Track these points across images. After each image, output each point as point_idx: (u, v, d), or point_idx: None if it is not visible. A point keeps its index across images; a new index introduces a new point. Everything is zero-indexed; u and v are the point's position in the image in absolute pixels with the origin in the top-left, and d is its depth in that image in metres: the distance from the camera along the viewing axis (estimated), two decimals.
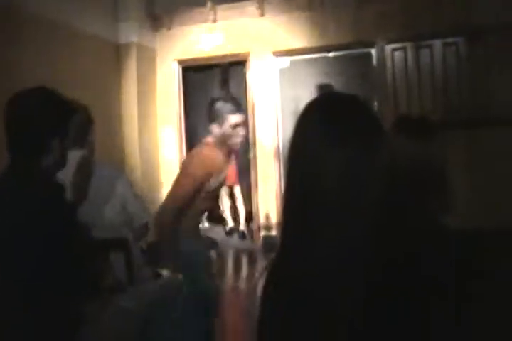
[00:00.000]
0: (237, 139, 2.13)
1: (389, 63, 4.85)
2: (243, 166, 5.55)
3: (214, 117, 2.13)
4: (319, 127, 0.82)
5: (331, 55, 5.05)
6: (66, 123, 1.44)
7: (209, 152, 2.12)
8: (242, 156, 5.77)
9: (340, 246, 0.75)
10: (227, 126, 2.10)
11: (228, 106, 2.12)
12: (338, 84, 4.88)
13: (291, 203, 0.84)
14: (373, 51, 4.90)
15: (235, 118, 2.11)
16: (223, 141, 2.13)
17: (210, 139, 2.16)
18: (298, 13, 5.08)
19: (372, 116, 0.84)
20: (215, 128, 2.13)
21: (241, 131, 2.13)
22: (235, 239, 5.59)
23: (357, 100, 0.87)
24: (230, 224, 5.67)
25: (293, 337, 0.77)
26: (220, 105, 2.13)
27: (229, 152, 2.20)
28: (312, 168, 0.80)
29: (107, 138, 4.60)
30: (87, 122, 2.02)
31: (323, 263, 0.76)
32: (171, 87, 5.59)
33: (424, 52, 4.75)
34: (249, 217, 5.69)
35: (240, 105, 2.21)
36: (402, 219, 0.79)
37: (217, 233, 5.66)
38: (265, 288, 0.86)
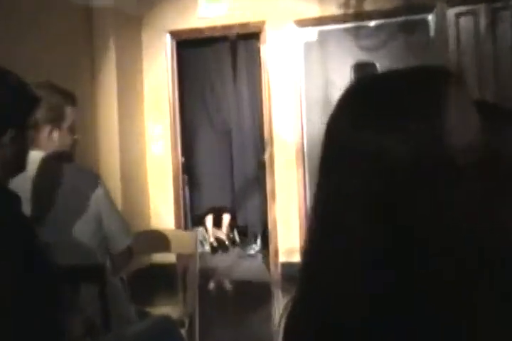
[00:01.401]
0: None
1: (452, 33, 4.82)
2: (254, 171, 5.56)
3: None
4: (360, 123, 0.82)
5: (372, 23, 5.02)
6: (25, 113, 1.43)
7: None
8: (253, 157, 5.78)
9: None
10: None
11: None
12: (381, 62, 4.86)
13: (323, 220, 0.85)
14: (430, 17, 4.88)
15: None
16: None
17: None
18: None
19: (437, 102, 0.82)
20: None
21: None
22: (244, 263, 5.59)
23: (415, 81, 0.85)
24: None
25: None
26: None
27: None
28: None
29: (81, 133, 4.57)
30: (60, 108, 2.05)
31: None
32: (161, 66, 5.60)
33: (504, 16, 4.69)
34: (264, 237, 5.69)
35: None
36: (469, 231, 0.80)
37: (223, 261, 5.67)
38: (287, 335, 0.86)
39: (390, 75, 0.90)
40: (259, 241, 6.21)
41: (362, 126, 0.81)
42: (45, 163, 1.98)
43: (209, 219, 6.22)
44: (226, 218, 6.27)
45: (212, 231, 6.31)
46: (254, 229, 6.14)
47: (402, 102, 0.81)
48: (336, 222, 0.82)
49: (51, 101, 2.03)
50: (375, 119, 0.81)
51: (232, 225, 6.36)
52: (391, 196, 0.78)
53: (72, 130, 2.18)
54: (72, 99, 2.18)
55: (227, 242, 6.26)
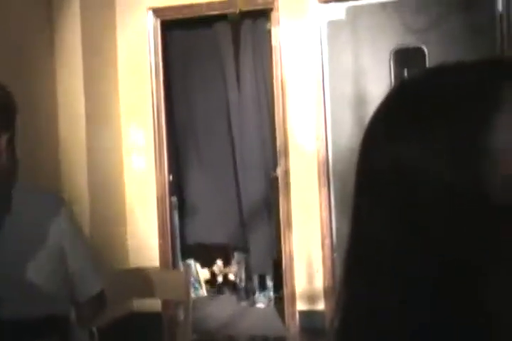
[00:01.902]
0: None
1: None
2: (263, 190, 5.52)
3: None
4: (409, 135, 0.87)
5: None
6: None
7: None
8: (261, 172, 5.74)
9: None
10: None
11: None
12: (431, 47, 4.86)
13: (363, 253, 0.90)
14: None
15: None
16: None
17: None
18: None
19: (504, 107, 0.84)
20: None
21: None
22: (252, 312, 5.56)
23: (476, 79, 0.87)
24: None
25: None
26: None
27: None
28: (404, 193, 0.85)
29: (34, 142, 4.60)
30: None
31: None
32: (141, 54, 5.60)
33: None
34: (277, 278, 5.64)
35: None
36: None
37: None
38: None
39: (450, 73, 0.91)
40: (270, 283, 6.16)
41: (412, 141, 0.85)
42: None
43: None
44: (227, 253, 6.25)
45: (219, 269, 6.29)
46: (263, 266, 6.08)
47: (467, 113, 0.84)
48: (379, 261, 0.88)
49: None
50: (428, 135, 0.84)
51: (235, 262, 6.33)
52: (441, 227, 0.83)
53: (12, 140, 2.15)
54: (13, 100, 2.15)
55: (236, 282, 6.26)
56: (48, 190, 2.42)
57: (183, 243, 6.21)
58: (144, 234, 5.56)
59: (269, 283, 6.18)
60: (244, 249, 6.17)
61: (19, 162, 2.16)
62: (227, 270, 6.44)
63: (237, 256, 6.35)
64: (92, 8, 5.31)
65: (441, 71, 0.92)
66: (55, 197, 2.24)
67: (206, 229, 6.17)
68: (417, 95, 0.89)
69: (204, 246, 6.31)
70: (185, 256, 6.32)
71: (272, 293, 6.17)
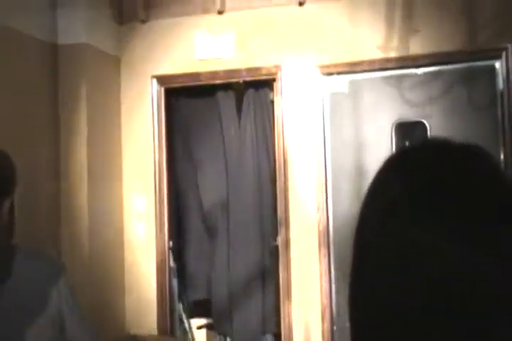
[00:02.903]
0: None
1: None
2: (260, 261, 5.43)
3: None
4: (411, 209, 0.85)
5: (420, 71, 5.04)
6: None
7: None
8: (258, 241, 5.66)
9: None
10: None
11: None
12: (433, 121, 4.87)
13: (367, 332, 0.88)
14: (498, 64, 4.89)
15: None
16: None
17: None
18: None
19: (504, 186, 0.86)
20: None
21: None
22: None
23: (476, 154, 0.89)
24: None
25: None
26: None
27: None
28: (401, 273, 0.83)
29: (33, 203, 4.59)
30: (3, 182, 2.10)
31: None
32: (144, 121, 5.61)
33: None
34: None
35: None
36: None
37: None
38: None
39: (442, 149, 0.90)
40: None
41: (410, 221, 0.83)
42: None
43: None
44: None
45: None
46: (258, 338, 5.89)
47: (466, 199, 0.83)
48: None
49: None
50: (428, 215, 0.82)
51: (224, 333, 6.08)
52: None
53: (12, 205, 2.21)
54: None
55: None
56: (47, 255, 2.39)
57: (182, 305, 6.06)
58: (142, 300, 5.48)
59: None
60: (241, 320, 5.97)
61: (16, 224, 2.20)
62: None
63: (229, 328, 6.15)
64: (96, 79, 5.35)
65: (442, 148, 0.90)
66: (55, 263, 2.23)
67: (203, 293, 6.04)
68: (416, 167, 0.88)
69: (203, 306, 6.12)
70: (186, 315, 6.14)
71: None
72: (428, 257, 0.81)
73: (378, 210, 0.88)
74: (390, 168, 0.91)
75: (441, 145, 0.91)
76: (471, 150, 0.89)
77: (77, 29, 5.21)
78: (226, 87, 5.64)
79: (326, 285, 5.12)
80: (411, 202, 0.84)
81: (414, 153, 0.92)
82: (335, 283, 5.11)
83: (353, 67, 5.14)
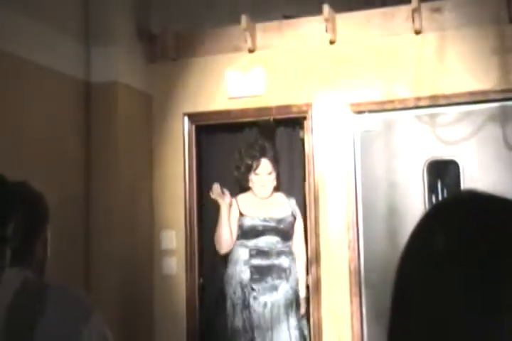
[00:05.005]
0: None
1: None
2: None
3: None
4: (455, 272, 0.87)
5: (452, 109, 4.97)
6: None
7: None
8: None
9: None
10: None
11: None
12: (465, 160, 4.81)
13: None
14: None
15: None
16: None
17: None
18: (403, 34, 5.06)
19: None
20: None
21: None
22: None
23: None
24: None
25: None
26: None
27: None
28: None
29: (63, 239, 4.52)
30: (36, 221, 2.10)
31: None
32: (175, 157, 5.60)
33: None
34: None
35: None
36: None
37: None
38: None
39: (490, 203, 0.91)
40: None
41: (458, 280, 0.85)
42: (25, 286, 1.92)
43: None
44: None
45: None
46: None
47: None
48: None
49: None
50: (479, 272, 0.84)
51: None
52: None
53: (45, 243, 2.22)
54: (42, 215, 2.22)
55: None
56: (78, 295, 2.30)
57: None
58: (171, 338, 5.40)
59: None
60: None
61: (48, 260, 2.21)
62: None
63: None
64: (128, 116, 5.40)
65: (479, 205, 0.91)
66: (85, 304, 2.08)
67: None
68: (452, 227, 0.88)
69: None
70: None
71: None
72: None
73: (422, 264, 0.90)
74: (425, 225, 0.92)
75: (483, 203, 0.91)
76: None
77: (109, 67, 5.28)
78: (257, 124, 5.59)
79: (357, 324, 5.01)
80: (457, 260, 0.85)
81: (457, 208, 0.93)
82: (366, 323, 5.01)
83: (384, 106, 5.11)
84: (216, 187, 5.06)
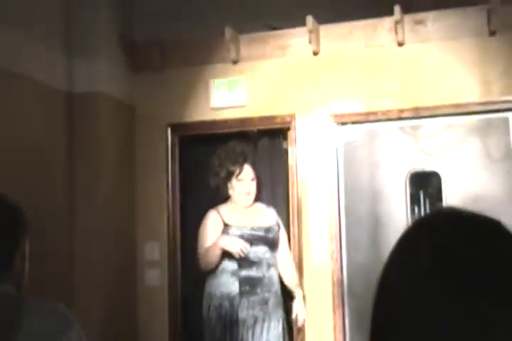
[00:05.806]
0: None
1: None
2: None
3: None
4: (436, 282, 0.87)
5: (434, 121, 4.98)
6: None
7: None
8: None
9: None
10: None
11: None
12: (446, 171, 4.82)
13: None
14: None
15: None
16: None
17: None
18: (386, 46, 5.06)
19: None
20: None
21: None
22: None
23: (500, 232, 0.91)
24: None
25: None
26: None
27: None
28: None
29: (45, 253, 4.48)
30: (15, 235, 2.12)
31: None
32: (159, 168, 5.57)
33: None
34: None
35: None
36: None
37: None
38: None
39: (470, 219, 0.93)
40: None
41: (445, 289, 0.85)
42: (5, 300, 1.98)
43: None
44: None
45: None
46: None
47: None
48: None
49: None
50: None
51: None
52: None
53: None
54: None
55: None
56: (57, 307, 2.27)
57: None
58: None
59: None
60: None
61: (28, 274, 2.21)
62: None
63: None
64: (111, 127, 5.37)
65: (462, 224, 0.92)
66: (65, 316, 2.09)
67: None
68: (437, 240, 0.89)
69: None
70: None
71: None
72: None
73: (407, 275, 0.90)
74: (409, 239, 0.93)
75: (466, 218, 0.93)
76: (495, 228, 0.91)
77: (92, 78, 5.24)
78: (241, 135, 5.56)
79: (340, 336, 4.99)
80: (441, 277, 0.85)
81: (441, 223, 0.93)
82: (349, 335, 4.99)
83: (367, 117, 5.11)
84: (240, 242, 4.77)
